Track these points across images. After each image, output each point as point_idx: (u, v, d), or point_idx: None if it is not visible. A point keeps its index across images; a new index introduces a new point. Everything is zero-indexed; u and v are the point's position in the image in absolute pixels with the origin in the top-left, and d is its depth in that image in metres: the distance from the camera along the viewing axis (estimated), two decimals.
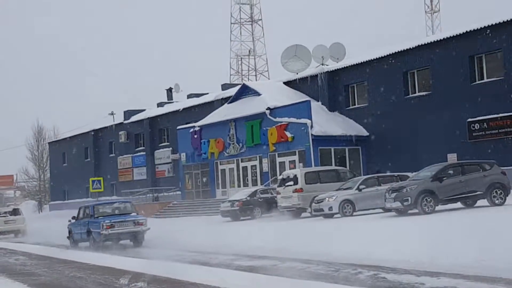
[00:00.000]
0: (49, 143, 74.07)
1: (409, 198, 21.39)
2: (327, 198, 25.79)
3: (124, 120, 56.06)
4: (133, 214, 24.78)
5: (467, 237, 14.48)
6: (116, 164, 56.63)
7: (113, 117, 60.08)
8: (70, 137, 66.03)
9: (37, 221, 53.30)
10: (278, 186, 29.21)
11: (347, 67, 36.77)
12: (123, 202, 26.54)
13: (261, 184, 35.82)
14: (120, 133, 55.59)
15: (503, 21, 28.74)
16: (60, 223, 45.69)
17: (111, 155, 58.10)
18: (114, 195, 55.32)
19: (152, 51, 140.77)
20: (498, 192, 21.74)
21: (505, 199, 21.77)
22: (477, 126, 29.81)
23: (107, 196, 54.56)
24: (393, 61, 34.01)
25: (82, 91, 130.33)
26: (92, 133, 60.76)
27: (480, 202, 22.25)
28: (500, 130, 28.98)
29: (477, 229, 15.75)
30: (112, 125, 58.07)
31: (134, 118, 54.94)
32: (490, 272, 10.44)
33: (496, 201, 21.60)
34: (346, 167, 32.96)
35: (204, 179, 41.93)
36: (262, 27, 72.52)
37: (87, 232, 24.11)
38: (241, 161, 38.82)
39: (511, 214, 18.39)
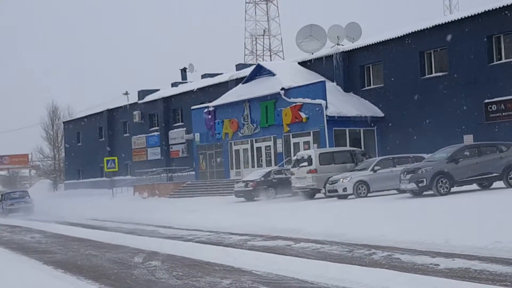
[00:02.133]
0: (63, 122, 74.37)
1: (424, 180, 21.29)
2: (341, 179, 25.74)
3: (138, 100, 56.09)
4: (26, 198, 42.65)
5: (483, 218, 14.39)
6: (130, 144, 56.78)
7: (127, 97, 60.16)
8: (84, 117, 66.24)
9: (49, 200, 53.82)
10: (292, 167, 29.16)
11: (362, 47, 36.48)
12: (21, 192, 46.18)
13: (275, 165, 35.77)
14: (134, 113, 55.66)
15: None
16: (70, 203, 46.14)
17: (126, 135, 58.23)
18: (129, 175, 55.56)
19: (167, 30, 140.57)
20: None
21: None
22: (494, 107, 29.51)
23: (122, 176, 54.81)
24: (409, 41, 33.69)
25: (96, 71, 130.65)
26: (107, 112, 60.88)
27: (496, 184, 22.12)
28: None
29: (493, 211, 15.67)
30: (126, 105, 58.14)
31: (148, 98, 54.95)
32: (505, 254, 10.35)
33: None
34: (360, 148, 32.81)
35: (218, 160, 41.94)
36: (277, 7, 72.14)
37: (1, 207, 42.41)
38: (255, 142, 38.76)
39: None
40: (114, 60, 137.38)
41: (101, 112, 61.86)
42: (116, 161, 48.79)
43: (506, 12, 29.01)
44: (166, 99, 52.77)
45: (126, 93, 60.25)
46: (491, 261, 9.90)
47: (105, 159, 49.78)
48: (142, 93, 56.20)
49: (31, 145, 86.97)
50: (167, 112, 52.65)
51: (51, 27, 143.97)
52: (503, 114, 29.18)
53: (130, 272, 11.81)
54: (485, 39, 30.08)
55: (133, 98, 58.07)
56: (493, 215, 14.85)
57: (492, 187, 22.31)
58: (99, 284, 10.72)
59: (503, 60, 29.73)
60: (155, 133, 53.73)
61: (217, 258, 12.59)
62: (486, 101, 29.77)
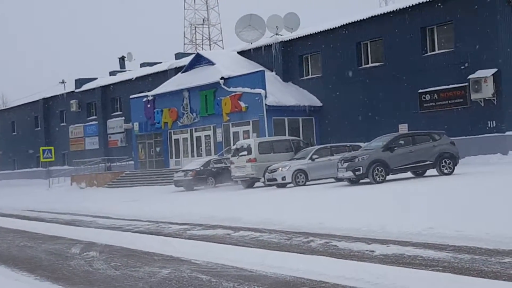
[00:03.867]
0: None
1: (361, 168, 21.72)
2: (280, 168, 25.98)
3: (76, 88, 55.18)
4: None
5: (416, 206, 14.80)
6: (67, 134, 55.81)
7: (64, 85, 59.13)
8: (19, 106, 64.74)
9: None
10: (231, 156, 29.27)
11: (301, 37, 36.81)
12: None
13: (215, 154, 35.81)
14: (72, 102, 54.74)
15: None
16: (4, 193, 45.08)
17: (62, 124, 57.23)
18: (66, 165, 54.64)
19: (104, 17, 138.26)
20: (447, 162, 22.23)
21: (454, 169, 22.30)
22: (427, 97, 30.26)
23: (59, 166, 53.86)
24: (346, 32, 34.16)
25: (32, 60, 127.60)
26: (42, 101, 59.64)
27: (430, 172, 22.73)
28: (450, 101, 29.49)
29: (426, 198, 16.13)
30: (63, 94, 57.13)
31: (86, 87, 54.12)
32: (438, 240, 10.66)
33: (445, 171, 22.10)
34: (299, 137, 33.17)
35: (158, 149, 41.71)
36: None
37: None
38: (195, 131, 38.69)
39: (458, 183, 18.83)
40: (50, 48, 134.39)
41: (37, 101, 60.60)
42: (53, 150, 47.91)
43: (439, 4, 29.75)
44: (104, 88, 52.08)
45: (63, 82, 59.22)
46: (424, 247, 10.19)
47: (41, 148, 48.81)
48: (80, 82, 55.30)
49: None
50: (105, 101, 51.97)
51: None
52: (436, 103, 29.97)
53: (67, 263, 11.67)
54: (419, 30, 30.77)
55: (70, 87, 57.08)
56: (426, 202, 15.30)
57: (425, 175, 22.93)
58: (35, 276, 10.56)
59: (436, 51, 30.50)
60: (93, 123, 53.00)
61: (156, 247, 12.56)
62: (420, 91, 30.50)
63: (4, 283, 9.75)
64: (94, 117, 53.29)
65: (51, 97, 59.22)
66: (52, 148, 48.78)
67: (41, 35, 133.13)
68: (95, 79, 55.35)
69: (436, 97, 29.98)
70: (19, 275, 10.82)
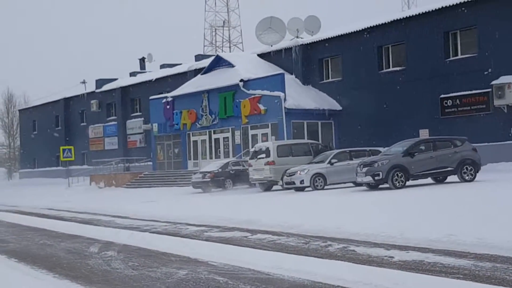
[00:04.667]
0: (19, 110, 73.15)
1: (380, 173, 21.55)
2: (298, 171, 25.88)
3: (96, 89, 55.48)
4: None
5: (437, 212, 14.64)
6: (87, 133, 56.11)
7: (85, 85, 59.50)
8: (40, 105, 65.23)
9: (3, 189, 52.95)
10: (250, 159, 29.22)
11: (321, 40, 36.69)
12: None
13: (233, 156, 35.79)
14: (92, 102, 55.04)
15: None
16: (24, 191, 45.41)
17: (83, 124, 57.56)
18: (85, 164, 54.94)
19: (126, 19, 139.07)
20: (469, 168, 21.99)
21: (475, 176, 22.05)
22: (449, 102, 30.01)
23: (78, 165, 54.17)
24: (368, 35, 34.00)
25: (53, 59, 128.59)
26: (63, 101, 60.04)
27: (451, 178, 22.51)
28: (472, 107, 29.23)
29: (446, 205, 15.95)
30: (83, 94, 57.47)
31: (106, 87, 54.39)
32: (458, 247, 10.52)
33: (466, 177, 21.86)
34: (318, 140, 33.04)
35: (176, 150, 41.77)
36: None
37: None
38: (214, 133, 38.70)
39: (480, 191, 18.63)
40: (71, 48, 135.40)
41: (58, 101, 61.02)
42: (73, 150, 48.23)
43: (463, 8, 29.49)
44: (124, 89, 52.30)
45: (84, 82, 59.57)
46: (444, 254, 10.06)
47: (61, 148, 49.14)
48: (100, 82, 55.60)
49: None
50: (125, 101, 52.19)
51: (8, 13, 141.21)
52: (458, 109, 29.70)
53: (85, 262, 11.69)
54: (442, 35, 30.54)
55: (91, 87, 57.40)
56: (447, 208, 15.13)
57: (446, 181, 22.71)
58: (54, 274, 10.58)
59: (459, 56, 30.25)
60: (113, 123, 53.23)
61: (173, 248, 12.54)
62: (442, 96, 30.26)
63: (23, 281, 9.78)
64: (113, 117, 53.53)
65: (72, 97, 59.61)
66: (72, 147, 49.10)
67: (63, 35, 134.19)
68: (116, 79, 55.62)
69: (458, 103, 29.71)
70: (38, 272, 10.85)
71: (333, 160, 25.93)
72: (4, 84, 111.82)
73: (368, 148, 27.29)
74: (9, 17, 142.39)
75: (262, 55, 39.95)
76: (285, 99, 33.55)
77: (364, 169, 22.10)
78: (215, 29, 72.26)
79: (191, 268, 10.32)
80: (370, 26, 33.80)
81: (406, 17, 32.45)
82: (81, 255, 12.63)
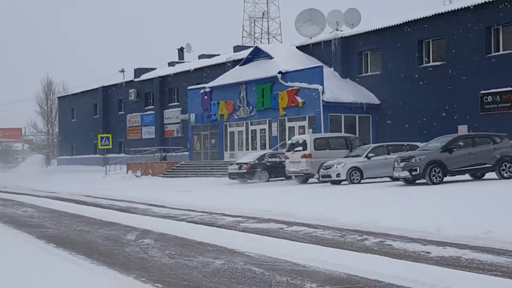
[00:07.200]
0: (58, 97, 74.16)
1: (418, 168, 21.37)
2: (335, 165, 25.81)
3: (135, 78, 55.93)
4: None
5: (474, 208, 14.49)
6: (125, 122, 56.67)
7: (124, 74, 59.97)
8: (79, 93, 66.02)
9: (41, 175, 53.78)
10: (286, 151, 29.23)
11: (361, 33, 36.45)
12: None
13: (270, 148, 35.83)
14: (130, 91, 55.54)
15: None
16: (62, 178, 46.09)
17: (120, 112, 58.14)
18: (122, 153, 55.53)
19: (165, 10, 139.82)
20: (508, 165, 21.69)
21: None
22: (489, 98, 29.59)
23: (115, 154, 54.78)
24: (408, 29, 33.66)
25: (93, 47, 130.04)
26: (102, 89, 60.69)
27: (489, 175, 22.23)
28: None
29: (485, 202, 15.77)
30: (122, 83, 57.98)
31: (145, 77, 54.80)
32: (496, 244, 10.42)
33: (505, 175, 21.56)
34: (355, 134, 32.88)
35: (213, 141, 41.96)
36: None
37: None
38: (251, 124, 38.77)
39: None
40: (111, 37, 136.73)
41: (96, 89, 61.68)
42: (110, 138, 48.80)
43: (506, 3, 29.00)
44: (163, 78, 52.65)
45: (122, 71, 60.06)
46: (482, 251, 9.98)
47: (99, 136, 49.76)
48: (139, 71, 56.03)
49: (25, 119, 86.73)
50: (163, 91, 52.55)
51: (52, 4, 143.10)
52: (498, 105, 29.27)
53: (123, 249, 11.85)
54: (484, 30, 30.08)
55: (129, 76, 57.89)
56: (485, 205, 14.96)
57: (484, 178, 22.43)
58: (92, 260, 10.75)
59: (501, 52, 29.77)
60: (150, 112, 53.67)
61: (209, 238, 12.65)
62: (482, 92, 29.84)
63: (63, 266, 9.96)
64: (151, 106, 53.96)
65: (110, 85, 60.19)
66: (109, 135, 49.66)
67: (105, 25, 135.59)
68: (154, 69, 55.97)
69: (499, 99, 29.27)
70: (76, 258, 11.04)
71: (370, 154, 25.79)
72: (43, 72, 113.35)
73: (406, 143, 27.06)
74: (53, 8, 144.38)
75: (301, 48, 39.84)
76: (323, 92, 33.44)
77: (402, 164, 21.95)
78: (254, 21, 72.20)
79: (227, 258, 10.40)
80: (411, 20, 33.45)
81: (447, 11, 32.02)
82: (118, 242, 12.81)
